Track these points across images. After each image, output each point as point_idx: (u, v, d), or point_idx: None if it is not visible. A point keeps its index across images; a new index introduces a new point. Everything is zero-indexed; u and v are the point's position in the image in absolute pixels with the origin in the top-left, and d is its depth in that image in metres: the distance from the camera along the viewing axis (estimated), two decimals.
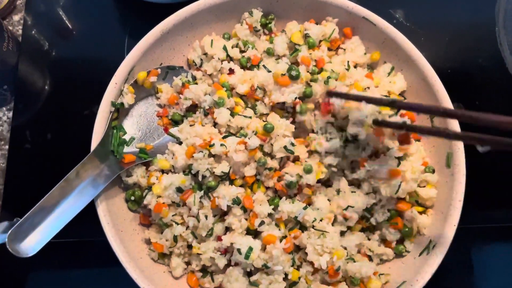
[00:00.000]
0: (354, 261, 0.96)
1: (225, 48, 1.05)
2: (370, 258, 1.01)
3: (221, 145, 0.94)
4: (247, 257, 0.91)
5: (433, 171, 1.00)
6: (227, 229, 0.99)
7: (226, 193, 0.94)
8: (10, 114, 1.25)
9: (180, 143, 1.02)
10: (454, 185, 0.95)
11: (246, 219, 0.97)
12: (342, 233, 0.99)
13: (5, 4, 1.28)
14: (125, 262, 0.93)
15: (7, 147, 1.23)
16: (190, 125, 1.03)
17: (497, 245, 1.17)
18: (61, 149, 1.21)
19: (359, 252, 1.00)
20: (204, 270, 1.00)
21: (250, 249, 0.92)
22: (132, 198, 1.01)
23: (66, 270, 1.15)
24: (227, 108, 1.01)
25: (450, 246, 0.92)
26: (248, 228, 0.97)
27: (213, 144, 0.94)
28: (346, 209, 0.96)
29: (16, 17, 1.32)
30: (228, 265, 0.98)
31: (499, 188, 1.16)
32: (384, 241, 1.02)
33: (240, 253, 0.92)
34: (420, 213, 0.99)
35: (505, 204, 1.17)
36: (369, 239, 1.01)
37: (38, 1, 1.33)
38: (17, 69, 1.25)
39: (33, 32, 1.30)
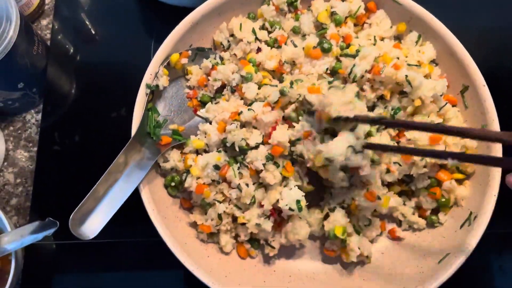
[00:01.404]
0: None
1: (253, 32, 1.07)
2: (399, 224, 1.02)
3: (249, 110, 0.96)
4: (300, 209, 0.92)
5: None
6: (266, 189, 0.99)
7: (258, 155, 0.95)
8: (39, 117, 1.27)
9: (210, 122, 1.03)
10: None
11: (281, 173, 0.97)
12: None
13: (34, 8, 1.31)
14: (173, 247, 0.94)
15: (35, 149, 1.24)
16: (215, 103, 1.05)
17: None
18: (89, 151, 1.22)
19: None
20: (252, 239, 1.01)
21: (298, 202, 0.92)
22: (172, 183, 1.01)
23: (92, 272, 1.14)
24: (255, 83, 1.02)
25: (476, 251, 0.90)
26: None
27: (241, 112, 0.97)
28: (394, 163, 0.96)
29: (44, 22, 1.36)
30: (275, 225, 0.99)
31: None
32: (418, 208, 1.01)
33: (292, 209, 0.92)
34: (459, 183, 0.98)
35: None
36: (404, 204, 1.01)
37: (65, 5, 1.37)
38: (45, 72, 1.27)
39: (62, 36, 1.33)
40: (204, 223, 1.00)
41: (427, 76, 1.03)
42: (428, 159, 0.94)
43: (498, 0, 1.30)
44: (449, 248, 0.93)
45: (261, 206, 0.96)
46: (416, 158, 0.94)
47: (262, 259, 1.04)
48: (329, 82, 0.98)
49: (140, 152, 0.97)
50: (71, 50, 1.32)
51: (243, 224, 0.97)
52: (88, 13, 1.37)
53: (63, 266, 1.14)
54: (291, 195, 0.93)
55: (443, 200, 0.97)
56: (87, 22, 1.36)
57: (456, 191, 0.97)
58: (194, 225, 1.03)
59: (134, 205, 0.95)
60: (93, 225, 0.92)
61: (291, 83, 0.98)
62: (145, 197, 0.96)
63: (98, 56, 1.33)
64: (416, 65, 1.00)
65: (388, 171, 0.96)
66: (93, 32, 1.35)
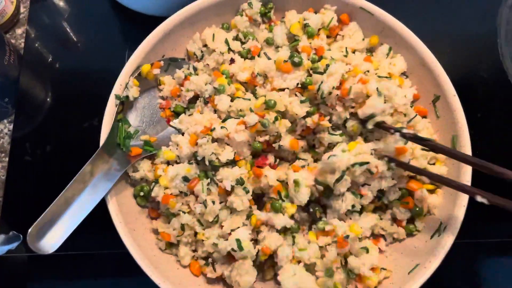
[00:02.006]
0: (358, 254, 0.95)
1: (226, 42, 1.07)
2: (384, 238, 1.00)
3: (222, 127, 0.95)
4: (241, 248, 0.91)
5: None
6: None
7: (229, 174, 0.94)
8: (11, 127, 1.25)
9: (183, 133, 1.02)
10: (461, 166, 0.95)
11: (249, 200, 0.96)
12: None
13: (8, 18, 1.30)
14: (140, 261, 0.92)
15: (7, 159, 1.22)
16: (189, 115, 1.04)
17: (503, 260, 1.14)
18: (60, 162, 1.21)
19: (372, 233, 0.99)
20: (208, 258, 0.99)
21: (238, 240, 0.91)
22: (141, 193, 1.00)
23: (65, 283, 1.13)
24: (228, 95, 1.01)
25: (449, 260, 0.91)
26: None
27: (214, 128, 0.96)
28: (362, 186, 0.95)
29: (19, 31, 1.34)
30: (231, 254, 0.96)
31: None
32: (395, 220, 1.01)
33: (234, 250, 0.91)
34: (430, 192, 0.98)
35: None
36: (381, 219, 1.00)
37: (39, 14, 1.36)
38: (18, 82, 1.26)
39: (36, 45, 1.32)
40: (165, 230, 0.98)
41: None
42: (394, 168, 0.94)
43: (470, 10, 1.31)
44: (419, 258, 0.93)
45: (222, 226, 0.96)
46: (383, 169, 0.93)
47: None
48: (301, 102, 0.98)
49: (108, 162, 0.96)
50: (46, 59, 1.31)
51: (203, 240, 0.96)
52: (63, 22, 1.36)
53: (35, 277, 1.13)
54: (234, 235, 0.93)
55: (417, 209, 0.97)
56: (62, 31, 1.35)
57: (428, 199, 0.97)
58: (156, 232, 1.02)
59: (108, 215, 0.94)
60: (53, 238, 0.90)
61: (276, 118, 0.95)
62: (112, 209, 0.95)
63: (73, 65, 1.31)
64: (387, 77, 1.01)
65: (361, 196, 0.96)
66: (68, 41, 1.34)
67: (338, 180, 0.90)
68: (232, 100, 1.01)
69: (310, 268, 0.95)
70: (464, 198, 0.92)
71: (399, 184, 0.97)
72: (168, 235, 0.97)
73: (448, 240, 0.91)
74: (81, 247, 1.10)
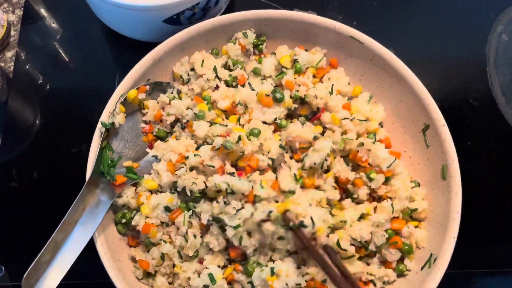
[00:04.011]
0: None
1: (215, 69, 1.06)
2: (373, 283, 0.97)
3: (195, 155, 0.93)
4: (213, 281, 0.89)
5: (419, 185, 1.01)
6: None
7: (209, 208, 0.92)
8: None
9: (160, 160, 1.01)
10: (451, 197, 0.94)
11: (226, 239, 0.94)
12: None
13: None
14: None
15: None
16: (166, 141, 1.03)
17: None
18: (47, 188, 1.18)
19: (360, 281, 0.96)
20: None
21: (211, 275, 0.89)
22: (123, 220, 0.98)
23: None
24: (208, 121, 1.00)
25: None
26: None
27: (188, 157, 0.94)
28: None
29: (9, 54, 1.33)
30: None
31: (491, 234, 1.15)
32: (383, 262, 0.99)
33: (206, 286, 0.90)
34: (415, 227, 0.97)
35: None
36: (368, 264, 0.98)
37: (32, 36, 1.35)
38: (6, 106, 1.24)
39: (26, 67, 1.31)
40: (144, 259, 0.96)
41: (375, 131, 1.04)
42: (378, 219, 0.95)
43: (459, 38, 1.31)
44: None
45: (201, 262, 0.94)
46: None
47: None
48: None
49: (95, 195, 0.94)
50: (35, 82, 1.30)
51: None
52: (55, 45, 1.35)
53: None
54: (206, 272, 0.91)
55: (406, 247, 0.95)
56: (53, 54, 1.34)
57: (415, 234, 0.96)
58: (134, 260, 0.99)
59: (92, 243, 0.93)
60: (48, 283, 0.88)
61: (239, 138, 0.93)
62: (98, 239, 0.93)
63: (64, 89, 1.30)
64: (365, 120, 1.01)
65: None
66: (59, 64, 1.33)
67: None
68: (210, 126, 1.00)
69: None
70: (454, 230, 0.91)
71: (384, 226, 0.96)
72: (147, 263, 0.95)
73: (438, 272, 0.89)
74: (67, 276, 1.08)
